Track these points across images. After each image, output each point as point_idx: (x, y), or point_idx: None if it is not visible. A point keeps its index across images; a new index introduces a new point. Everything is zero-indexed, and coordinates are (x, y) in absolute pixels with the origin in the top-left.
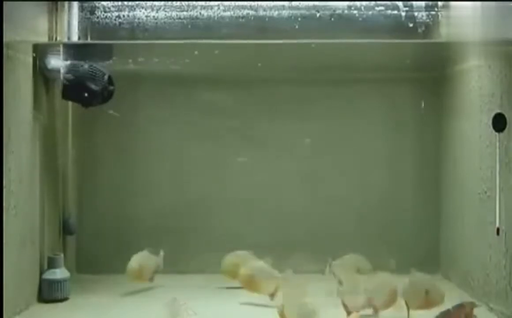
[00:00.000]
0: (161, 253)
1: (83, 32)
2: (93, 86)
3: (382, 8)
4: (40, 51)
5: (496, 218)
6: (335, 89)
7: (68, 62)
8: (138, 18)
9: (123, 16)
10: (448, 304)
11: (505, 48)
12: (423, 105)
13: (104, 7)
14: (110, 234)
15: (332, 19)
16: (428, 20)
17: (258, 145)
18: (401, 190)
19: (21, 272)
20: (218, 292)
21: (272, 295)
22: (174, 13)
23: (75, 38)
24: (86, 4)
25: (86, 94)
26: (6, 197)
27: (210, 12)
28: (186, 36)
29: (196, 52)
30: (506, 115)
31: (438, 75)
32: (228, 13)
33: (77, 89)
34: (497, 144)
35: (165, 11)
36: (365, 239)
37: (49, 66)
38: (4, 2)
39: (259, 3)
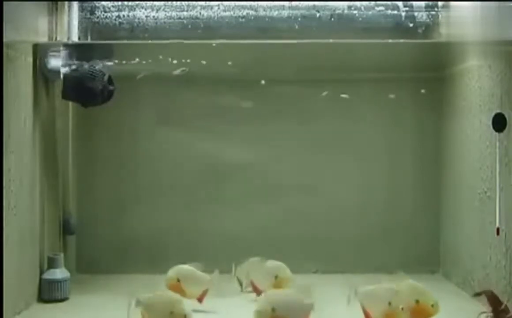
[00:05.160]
0: (216, 272)
1: (83, 32)
2: (93, 86)
3: (382, 8)
4: (40, 51)
5: (496, 218)
6: (334, 90)
7: (68, 62)
8: (138, 18)
9: (123, 16)
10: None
11: (505, 48)
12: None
13: (104, 7)
14: (110, 234)
15: (332, 19)
16: (428, 20)
17: (257, 145)
18: (401, 190)
19: (21, 272)
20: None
21: (200, 299)
22: (174, 13)
23: (75, 38)
24: (86, 4)
25: (86, 94)
26: (6, 197)
27: (210, 12)
28: (186, 36)
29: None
30: (506, 115)
31: (438, 75)
32: (228, 13)
33: (77, 89)
34: (497, 144)
35: (165, 11)
36: (365, 239)
37: (49, 66)
38: (4, 2)
39: (259, 3)
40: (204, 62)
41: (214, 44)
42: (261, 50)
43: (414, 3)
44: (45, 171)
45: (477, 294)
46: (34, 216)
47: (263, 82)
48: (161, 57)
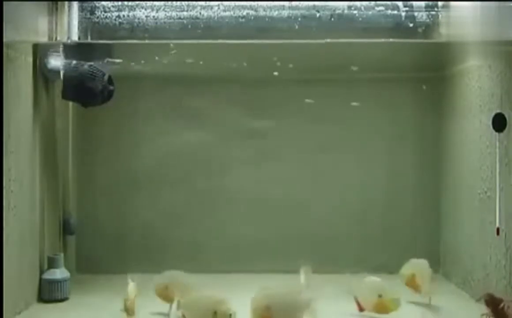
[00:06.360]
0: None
1: (83, 32)
2: (93, 86)
3: (382, 8)
4: (40, 51)
5: (496, 218)
6: (334, 89)
7: (68, 62)
8: (138, 18)
9: (123, 16)
10: None
11: (505, 48)
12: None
13: (104, 7)
14: (110, 235)
15: (332, 19)
16: (428, 20)
17: (257, 145)
18: (401, 190)
19: (21, 272)
20: None
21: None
22: (174, 13)
23: (75, 38)
24: (86, 4)
25: (86, 94)
26: (6, 197)
27: (210, 12)
28: (186, 36)
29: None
30: (506, 115)
31: (438, 75)
32: (228, 13)
33: (77, 89)
34: (497, 144)
35: (165, 11)
36: (365, 239)
37: (49, 66)
38: (4, 2)
39: (259, 3)
40: (202, 62)
41: (171, 45)
42: (260, 50)
43: (414, 3)
44: (45, 171)
45: (479, 300)
46: (34, 216)
47: (263, 81)
48: (161, 57)
